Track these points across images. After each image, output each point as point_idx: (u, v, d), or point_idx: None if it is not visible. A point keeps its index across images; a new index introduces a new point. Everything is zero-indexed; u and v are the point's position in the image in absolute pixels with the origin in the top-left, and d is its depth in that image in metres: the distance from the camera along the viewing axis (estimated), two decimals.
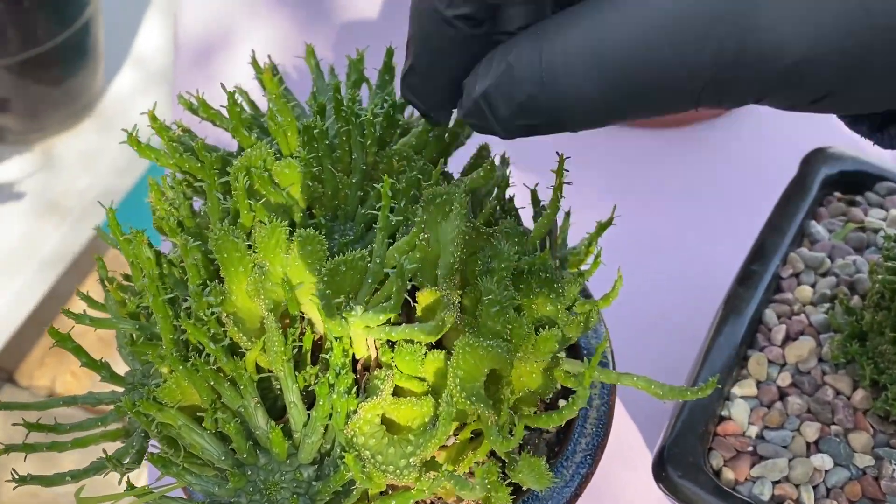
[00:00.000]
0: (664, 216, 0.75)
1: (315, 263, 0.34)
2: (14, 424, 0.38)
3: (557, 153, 0.38)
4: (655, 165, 0.80)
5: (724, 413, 0.51)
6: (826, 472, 0.48)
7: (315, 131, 0.36)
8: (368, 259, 0.34)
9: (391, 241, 0.35)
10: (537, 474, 0.34)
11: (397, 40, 0.42)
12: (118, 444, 0.41)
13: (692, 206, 0.75)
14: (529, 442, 0.43)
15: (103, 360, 0.40)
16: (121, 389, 0.42)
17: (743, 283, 0.56)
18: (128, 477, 0.35)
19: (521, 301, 0.35)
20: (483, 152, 0.45)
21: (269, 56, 0.48)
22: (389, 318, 0.34)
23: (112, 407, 0.40)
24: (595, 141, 0.82)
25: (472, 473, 0.36)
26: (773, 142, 0.81)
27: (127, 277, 0.42)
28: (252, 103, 0.46)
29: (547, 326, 0.34)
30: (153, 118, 0.40)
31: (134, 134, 0.38)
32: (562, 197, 0.38)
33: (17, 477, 0.36)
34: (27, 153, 1.69)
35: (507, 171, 0.45)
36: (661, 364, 0.58)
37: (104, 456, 0.36)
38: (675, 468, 0.47)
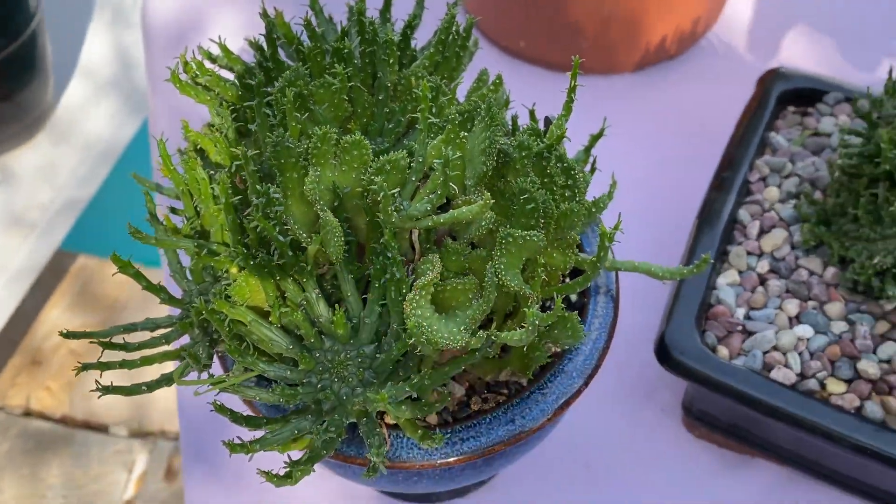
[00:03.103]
0: (633, 149, 0.80)
1: (361, 167, 0.38)
2: (91, 342, 0.41)
3: (573, 57, 0.43)
4: (618, 106, 0.86)
5: (713, 301, 0.56)
6: (808, 339, 0.54)
7: (345, 52, 0.40)
8: (409, 159, 0.39)
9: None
10: (572, 328, 0.39)
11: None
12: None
13: (659, 137, 0.81)
14: None
15: (161, 284, 0.44)
16: (176, 312, 0.45)
17: (717, 189, 0.61)
18: (209, 372, 0.39)
19: (543, 183, 0.40)
20: (483, 76, 0.49)
21: (276, 8, 0.52)
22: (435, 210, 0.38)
23: (173, 326, 0.44)
24: (555, 89, 0.87)
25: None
26: (720, 77, 0.87)
27: (173, 211, 0.45)
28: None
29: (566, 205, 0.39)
30: (185, 62, 0.44)
31: (177, 72, 0.41)
32: (575, 98, 0.43)
33: (101, 387, 0.40)
34: None
35: (507, 91, 0.50)
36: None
37: (184, 352, 0.40)
38: (676, 349, 0.53)
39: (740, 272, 0.58)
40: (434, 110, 0.40)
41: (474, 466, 0.46)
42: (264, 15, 0.50)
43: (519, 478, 0.62)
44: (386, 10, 0.50)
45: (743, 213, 0.60)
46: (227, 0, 0.96)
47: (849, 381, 0.52)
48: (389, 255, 0.37)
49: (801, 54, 0.86)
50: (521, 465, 0.62)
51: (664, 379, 0.62)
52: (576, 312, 0.40)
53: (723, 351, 0.54)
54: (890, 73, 0.57)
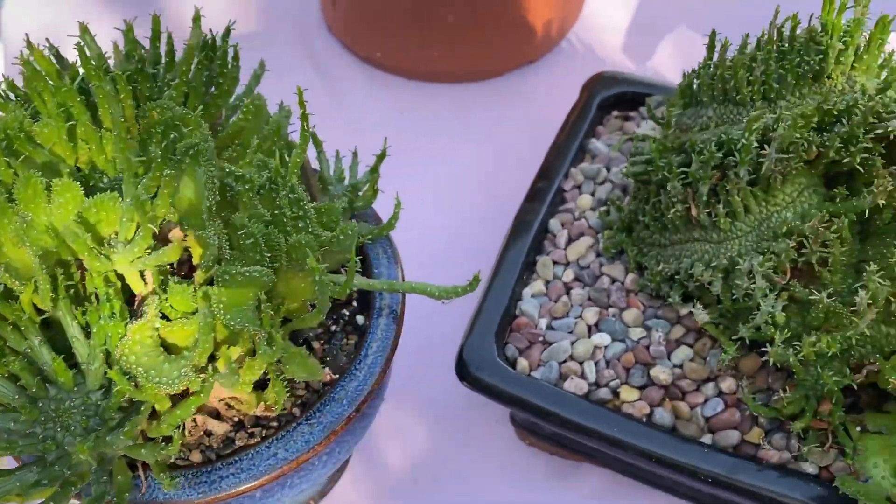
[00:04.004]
0: (483, 157, 0.80)
1: (75, 209, 0.37)
2: None
3: (297, 87, 0.42)
4: (474, 114, 0.86)
5: (518, 313, 0.56)
6: (605, 347, 0.54)
7: (63, 90, 0.39)
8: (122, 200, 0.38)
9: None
10: (301, 364, 0.39)
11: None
12: None
13: (511, 144, 0.81)
14: (329, 353, 0.48)
15: None
16: None
17: (530, 200, 0.61)
18: None
19: (273, 215, 0.39)
20: (252, 102, 0.49)
21: (47, 39, 0.50)
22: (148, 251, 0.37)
23: None
24: (412, 97, 0.87)
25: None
26: (578, 80, 0.87)
27: None
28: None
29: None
30: None
31: None
32: (310, 127, 0.43)
33: None
34: None
35: (287, 118, 0.50)
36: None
37: None
38: (473, 364, 0.53)
39: (547, 282, 0.58)
40: (166, 144, 0.39)
41: (252, 499, 0.45)
42: (28, 44, 0.49)
43: (351, 500, 0.62)
44: (155, 38, 0.49)
45: (554, 223, 0.60)
46: (87, 17, 0.93)
47: (642, 388, 0.52)
48: (101, 299, 0.36)
49: (662, 55, 0.87)
50: (355, 485, 0.62)
51: None
52: (303, 347, 0.39)
53: (522, 363, 0.54)
54: (684, 75, 0.57)
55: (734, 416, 0.50)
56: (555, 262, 0.58)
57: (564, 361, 0.53)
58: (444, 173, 0.80)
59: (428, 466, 0.63)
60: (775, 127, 0.44)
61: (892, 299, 0.43)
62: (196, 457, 0.44)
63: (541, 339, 0.55)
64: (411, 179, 0.80)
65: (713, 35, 0.52)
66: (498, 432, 0.64)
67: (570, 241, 0.59)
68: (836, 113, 0.44)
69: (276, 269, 0.39)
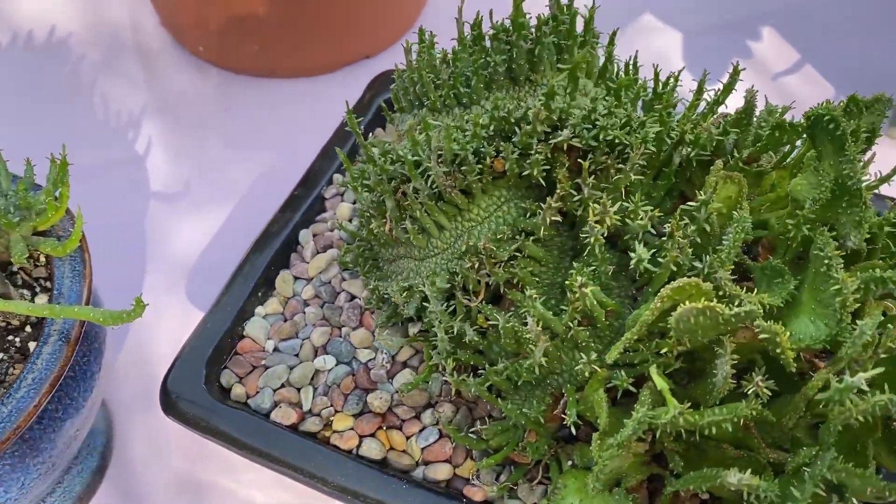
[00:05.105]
0: (291, 157, 0.76)
1: None
2: None
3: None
4: (292, 111, 0.82)
5: (244, 334, 0.52)
6: (329, 371, 0.50)
7: None
8: None
9: None
10: None
11: None
12: None
13: (316, 145, 0.77)
14: None
15: None
16: None
17: (284, 209, 0.57)
18: None
19: None
20: None
21: None
22: None
23: None
24: (237, 91, 0.83)
25: None
26: None
27: None
28: None
29: None
30: None
31: None
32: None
33: None
34: None
35: None
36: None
37: None
38: (174, 393, 0.48)
39: (287, 299, 0.54)
40: None
41: None
42: None
43: None
44: None
45: (305, 234, 0.56)
46: None
47: (358, 416, 0.48)
48: None
49: None
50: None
51: None
52: None
53: (238, 390, 0.50)
54: None
55: (444, 448, 0.46)
56: (297, 278, 0.54)
57: (280, 388, 0.49)
58: (254, 175, 0.76)
59: (190, 486, 0.59)
60: (429, 136, 0.40)
61: (571, 325, 0.39)
62: None
63: (263, 363, 0.51)
64: (220, 181, 0.76)
65: (422, 32, 0.47)
66: None
67: (316, 253, 0.55)
68: (512, 121, 0.40)
69: None
